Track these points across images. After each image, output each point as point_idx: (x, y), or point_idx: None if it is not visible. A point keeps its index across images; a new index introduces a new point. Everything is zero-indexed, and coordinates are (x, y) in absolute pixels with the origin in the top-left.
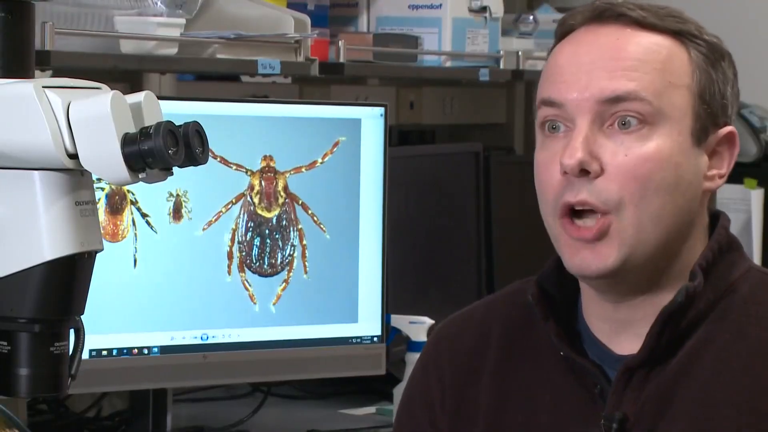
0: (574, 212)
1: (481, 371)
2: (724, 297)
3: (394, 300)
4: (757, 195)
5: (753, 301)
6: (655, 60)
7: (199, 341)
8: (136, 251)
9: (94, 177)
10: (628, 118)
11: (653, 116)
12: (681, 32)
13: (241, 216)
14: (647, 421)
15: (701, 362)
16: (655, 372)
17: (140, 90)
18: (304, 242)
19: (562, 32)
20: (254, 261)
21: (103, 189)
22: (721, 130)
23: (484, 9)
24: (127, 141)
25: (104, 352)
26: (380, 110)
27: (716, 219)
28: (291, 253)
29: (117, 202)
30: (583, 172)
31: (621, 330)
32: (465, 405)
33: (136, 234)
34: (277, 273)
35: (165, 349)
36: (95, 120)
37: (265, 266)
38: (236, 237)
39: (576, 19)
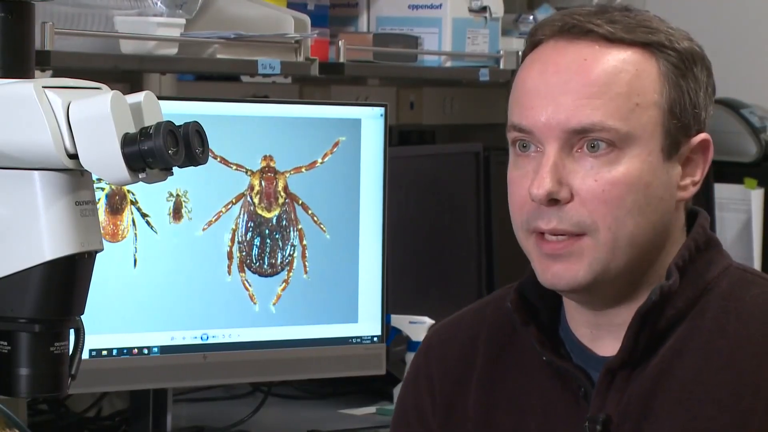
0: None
1: (469, 378)
2: (702, 295)
3: (394, 300)
4: (757, 195)
5: (732, 298)
6: (621, 82)
7: (199, 341)
8: (136, 251)
9: (94, 177)
10: (596, 141)
11: (621, 140)
12: (651, 44)
13: (241, 216)
14: (631, 421)
15: (682, 361)
16: (637, 372)
17: (140, 90)
18: (304, 242)
19: (532, 43)
20: (254, 261)
21: (103, 189)
22: (694, 138)
23: (484, 9)
24: (127, 141)
25: (104, 352)
26: (380, 110)
27: (694, 217)
28: (291, 253)
29: (117, 202)
30: (553, 201)
31: (603, 334)
32: (454, 412)
33: (136, 234)
34: (277, 273)
35: (165, 349)
36: (95, 120)
37: (265, 266)
38: (236, 237)
39: (545, 32)
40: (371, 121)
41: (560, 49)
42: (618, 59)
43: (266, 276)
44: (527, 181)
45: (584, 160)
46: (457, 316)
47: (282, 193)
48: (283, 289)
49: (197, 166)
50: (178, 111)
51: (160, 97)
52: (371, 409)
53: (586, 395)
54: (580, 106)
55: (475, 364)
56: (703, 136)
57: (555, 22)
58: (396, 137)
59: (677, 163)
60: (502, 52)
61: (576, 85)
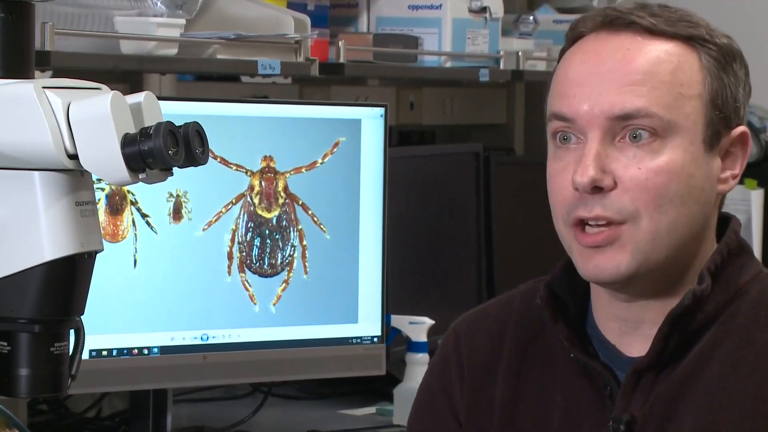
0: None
1: (496, 369)
2: (733, 300)
3: (394, 300)
4: (757, 195)
5: (762, 305)
6: (664, 71)
7: (199, 341)
8: (136, 251)
9: (94, 177)
10: (639, 131)
11: (664, 129)
12: (692, 37)
13: (241, 216)
14: (655, 423)
15: (709, 366)
16: (664, 375)
17: (140, 90)
18: (304, 242)
19: (573, 38)
20: (254, 261)
21: (103, 189)
22: (734, 131)
23: (484, 9)
24: (127, 141)
25: (104, 353)
26: (380, 111)
27: (726, 222)
28: (291, 253)
29: (117, 203)
30: (596, 189)
31: (631, 331)
32: (481, 401)
33: (136, 234)
34: (277, 273)
35: (165, 350)
36: (95, 120)
37: (265, 266)
38: (236, 237)
39: (587, 26)
40: (371, 122)
41: (602, 41)
42: (660, 50)
43: (266, 276)
44: (569, 173)
45: (627, 149)
46: (484, 308)
47: (282, 194)
48: (283, 290)
49: (197, 166)
50: (178, 111)
51: (160, 98)
52: (371, 410)
53: (611, 395)
54: (623, 93)
55: (502, 356)
56: (742, 128)
57: (596, 16)
58: (396, 137)
59: (717, 156)
60: (502, 53)
61: (619, 73)
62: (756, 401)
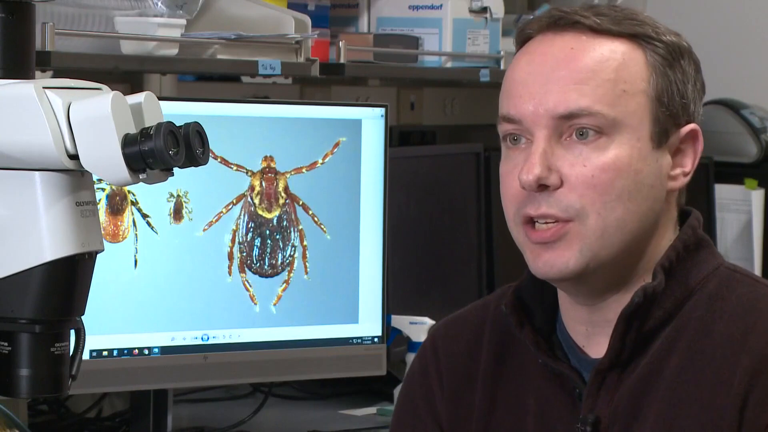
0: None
1: (475, 375)
2: (691, 295)
3: (394, 300)
4: (757, 195)
5: (718, 298)
6: (608, 69)
7: (199, 342)
8: (136, 252)
9: (94, 177)
10: (585, 129)
11: (609, 126)
12: (637, 35)
13: (242, 217)
14: (621, 422)
15: (669, 361)
16: (627, 373)
17: (141, 91)
18: (305, 243)
19: (521, 41)
20: (255, 261)
21: (103, 189)
22: (683, 128)
23: (484, 10)
24: (127, 142)
25: (105, 353)
26: (381, 111)
27: (687, 216)
28: (291, 253)
29: (118, 203)
30: (542, 186)
31: (597, 332)
32: (460, 408)
33: (136, 235)
34: (277, 273)
35: (165, 350)
36: (96, 121)
37: (266, 267)
38: (237, 238)
39: (533, 27)
40: (372, 122)
41: (547, 41)
42: (605, 48)
43: (267, 276)
44: (517, 172)
45: (573, 146)
46: (461, 314)
47: (282, 194)
48: (283, 290)
49: (198, 166)
50: (179, 111)
51: (160, 98)
52: (372, 410)
53: (580, 396)
54: (567, 92)
55: (480, 362)
56: (692, 126)
57: (542, 17)
58: (396, 138)
59: (667, 153)
60: (502, 53)
61: (563, 72)
62: (712, 393)
